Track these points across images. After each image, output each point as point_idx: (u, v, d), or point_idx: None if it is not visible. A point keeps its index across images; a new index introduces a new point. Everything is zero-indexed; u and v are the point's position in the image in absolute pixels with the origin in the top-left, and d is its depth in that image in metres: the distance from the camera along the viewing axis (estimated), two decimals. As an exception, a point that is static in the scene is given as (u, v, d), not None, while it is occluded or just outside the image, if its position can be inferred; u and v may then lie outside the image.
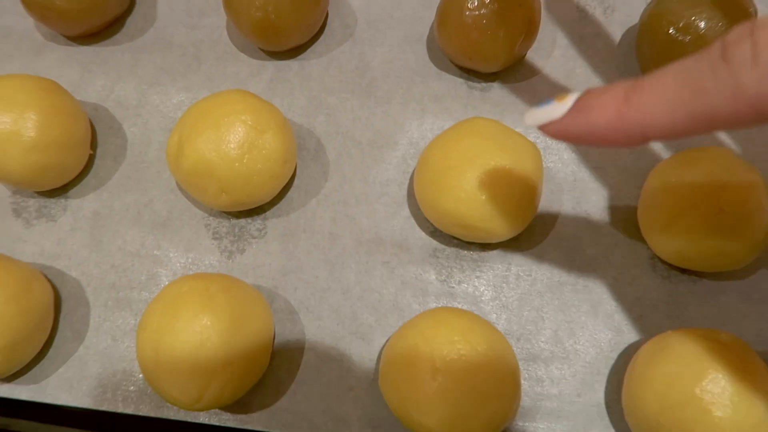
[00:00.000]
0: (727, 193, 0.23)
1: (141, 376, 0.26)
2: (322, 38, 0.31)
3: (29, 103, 0.26)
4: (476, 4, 0.26)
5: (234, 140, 0.24)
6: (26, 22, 0.32)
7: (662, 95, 0.15)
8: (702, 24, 0.26)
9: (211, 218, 0.28)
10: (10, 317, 0.24)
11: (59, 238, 0.28)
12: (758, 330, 0.25)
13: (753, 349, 0.22)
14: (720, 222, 0.23)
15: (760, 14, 0.28)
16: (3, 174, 0.26)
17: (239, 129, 0.25)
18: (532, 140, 0.26)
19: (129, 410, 0.25)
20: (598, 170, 0.28)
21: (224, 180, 0.25)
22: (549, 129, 0.17)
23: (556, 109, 0.17)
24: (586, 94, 0.16)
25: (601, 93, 0.16)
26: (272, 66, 0.30)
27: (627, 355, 0.25)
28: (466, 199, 0.24)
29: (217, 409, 0.25)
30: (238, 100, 0.25)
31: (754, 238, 0.23)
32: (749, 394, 0.21)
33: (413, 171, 0.28)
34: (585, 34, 0.30)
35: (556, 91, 0.29)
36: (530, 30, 0.27)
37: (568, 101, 0.17)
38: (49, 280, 0.27)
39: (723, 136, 0.28)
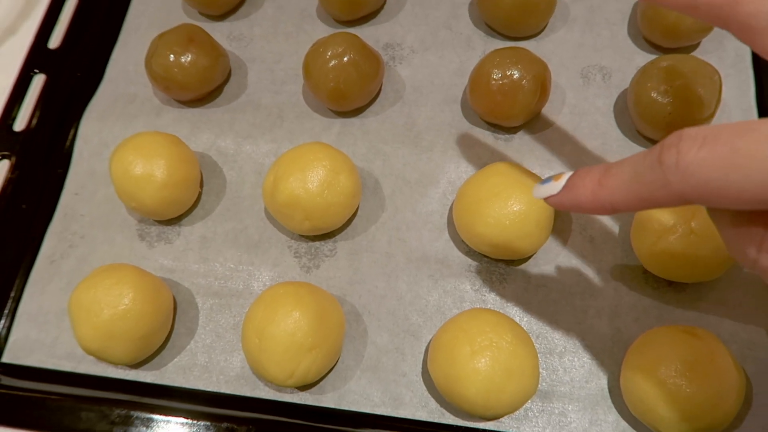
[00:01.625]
0: (696, 218, 0.30)
1: (239, 364, 0.33)
2: (378, 100, 0.39)
3: (160, 153, 0.34)
4: (500, 75, 0.34)
5: (316, 180, 0.32)
6: (147, 90, 0.41)
7: (621, 182, 0.20)
8: (677, 89, 0.33)
9: (292, 241, 0.35)
10: (147, 314, 0.31)
11: (175, 257, 0.36)
12: (732, 331, 0.31)
13: (723, 343, 0.28)
14: (692, 242, 0.30)
15: (723, 79, 0.35)
16: (139, 206, 0.34)
17: (320, 171, 0.32)
18: (546, 179, 0.33)
19: (229, 391, 0.32)
20: (601, 203, 0.35)
21: (308, 210, 0.32)
22: (549, 201, 0.24)
23: (554, 187, 0.23)
24: (574, 176, 0.23)
25: (584, 175, 0.22)
26: (339, 123, 0.38)
27: (625, 350, 0.31)
28: (494, 224, 0.31)
29: (298, 391, 0.32)
30: (318, 149, 0.33)
31: (720, 254, 0.30)
32: (713, 374, 0.27)
33: (452, 203, 0.35)
34: (588, 95, 0.38)
35: (565, 142, 0.36)
36: (543, 93, 0.35)
37: (562, 181, 0.23)
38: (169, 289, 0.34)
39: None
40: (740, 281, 0.32)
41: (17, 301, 0.35)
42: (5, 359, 0.34)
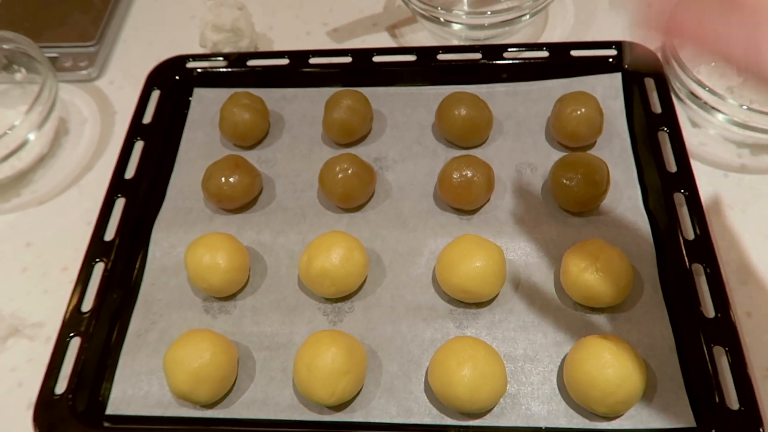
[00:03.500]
0: (599, 259, 0.44)
1: (289, 397, 0.44)
2: (374, 199, 0.53)
3: (222, 247, 0.47)
4: (458, 175, 0.49)
5: (338, 257, 0.46)
6: (199, 203, 0.54)
7: None
8: (579, 176, 0.48)
9: (321, 304, 0.48)
10: (224, 362, 0.43)
11: (233, 323, 0.48)
12: (637, 338, 0.44)
13: (627, 343, 0.42)
14: (598, 277, 0.43)
15: (613, 166, 0.51)
16: (208, 287, 0.47)
17: (340, 250, 0.46)
18: (498, 244, 0.47)
19: (283, 417, 0.43)
20: (538, 258, 0.49)
21: (334, 278, 0.45)
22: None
23: None
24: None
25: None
26: (347, 217, 0.53)
27: (565, 357, 0.44)
28: (464, 277, 0.44)
29: (335, 412, 0.43)
30: (337, 235, 0.47)
31: (619, 284, 0.44)
32: (621, 363, 0.40)
33: (434, 266, 0.49)
34: (521, 183, 0.53)
35: (509, 217, 0.51)
36: (489, 186, 0.50)
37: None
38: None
39: (602, 232, 0.49)
40: (640, 305, 0.46)
41: (114, 367, 0.47)
42: (109, 411, 0.45)
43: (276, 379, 0.45)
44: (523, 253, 0.49)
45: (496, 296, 0.47)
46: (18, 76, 0.63)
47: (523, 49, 0.59)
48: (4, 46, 0.62)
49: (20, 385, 0.48)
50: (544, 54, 0.59)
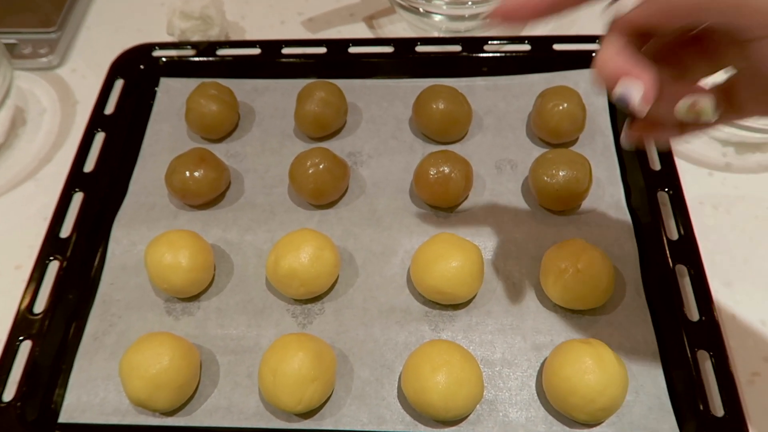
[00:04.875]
0: (581, 260, 0.42)
1: (254, 404, 0.42)
2: (347, 195, 0.51)
3: (184, 245, 0.45)
4: (435, 171, 0.47)
5: (307, 256, 0.43)
6: (164, 199, 0.52)
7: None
8: (560, 174, 0.46)
9: (289, 305, 0.46)
10: (183, 367, 0.40)
11: (197, 326, 0.45)
12: (618, 342, 0.43)
13: (609, 348, 0.40)
14: (579, 278, 0.42)
15: (595, 163, 0.49)
16: (169, 287, 0.44)
17: (310, 249, 0.43)
18: (476, 244, 0.45)
19: (249, 425, 0.41)
20: (517, 258, 0.47)
21: (303, 279, 0.43)
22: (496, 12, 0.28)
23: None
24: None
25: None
26: (318, 213, 0.50)
27: (544, 361, 0.42)
28: (440, 278, 0.42)
29: (303, 419, 0.41)
30: (306, 234, 0.45)
31: (600, 286, 0.42)
32: (602, 369, 0.38)
33: (409, 266, 0.47)
34: (501, 181, 0.51)
35: (488, 215, 0.49)
36: (467, 182, 0.48)
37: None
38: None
39: (583, 231, 0.47)
40: (622, 307, 0.44)
41: (68, 372, 0.44)
42: (62, 420, 0.42)
43: (241, 385, 0.43)
44: (501, 253, 0.47)
45: (473, 298, 0.45)
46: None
47: (505, 42, 0.57)
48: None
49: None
50: (526, 47, 0.57)
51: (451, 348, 0.40)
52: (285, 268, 0.43)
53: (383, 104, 0.56)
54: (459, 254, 0.43)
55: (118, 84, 0.57)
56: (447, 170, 0.47)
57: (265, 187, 0.52)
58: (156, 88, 0.58)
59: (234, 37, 0.65)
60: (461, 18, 0.60)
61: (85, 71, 0.63)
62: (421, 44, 0.58)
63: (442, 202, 0.48)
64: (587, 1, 0.27)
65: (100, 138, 0.54)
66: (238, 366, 0.43)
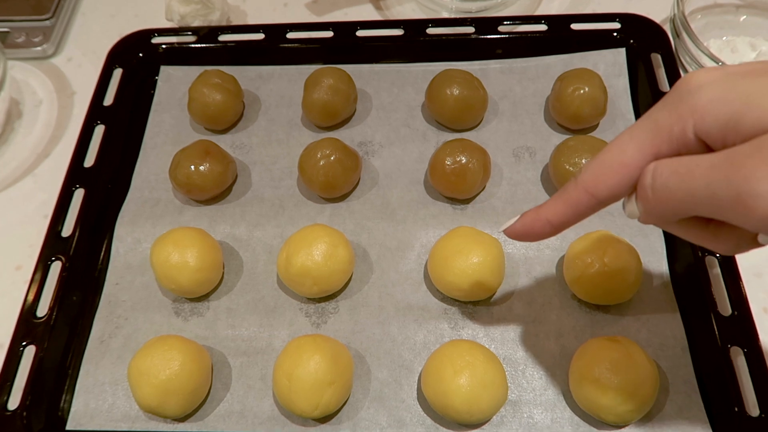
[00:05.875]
0: (606, 253, 0.40)
1: (269, 408, 0.40)
2: (359, 187, 0.49)
3: (192, 243, 0.43)
4: (451, 161, 0.45)
5: (320, 253, 0.41)
6: (168, 194, 0.50)
7: (552, 202, 0.28)
8: (583, 162, 0.44)
9: (302, 304, 0.44)
10: (194, 371, 0.39)
11: (207, 327, 0.43)
12: (647, 338, 0.41)
13: (638, 345, 0.38)
14: (605, 272, 0.40)
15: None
16: (177, 287, 0.43)
17: (323, 246, 0.42)
18: (496, 237, 0.43)
19: (263, 430, 0.39)
20: (539, 252, 0.45)
21: (316, 277, 0.41)
22: (506, 232, 0.31)
23: (511, 220, 0.31)
24: (523, 214, 0.30)
25: (528, 212, 0.30)
26: (330, 207, 0.48)
27: (570, 360, 0.40)
28: (460, 274, 0.41)
29: (320, 424, 0.39)
30: (318, 229, 0.43)
31: (627, 280, 0.40)
32: (632, 368, 0.36)
33: (425, 262, 0.45)
34: (520, 170, 0.49)
35: (507, 206, 0.47)
36: (485, 172, 0.46)
37: (516, 217, 0.31)
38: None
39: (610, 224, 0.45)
40: (649, 301, 0.42)
41: (75, 377, 0.42)
42: (69, 427, 0.40)
43: (254, 388, 0.41)
44: (522, 246, 0.45)
45: (494, 294, 0.43)
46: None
47: (519, 22, 0.55)
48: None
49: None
50: (542, 27, 0.54)
51: (474, 349, 0.38)
52: (297, 267, 0.41)
53: (393, 90, 0.54)
54: (479, 249, 0.41)
55: (117, 73, 0.55)
56: (464, 160, 0.45)
57: (273, 180, 0.50)
58: (156, 77, 0.56)
59: (235, 21, 0.62)
60: (473, -2, 0.58)
61: (81, 60, 0.61)
62: (432, 26, 0.55)
63: (459, 193, 0.46)
64: (592, 213, 0.28)
65: (99, 130, 0.52)
66: (251, 368, 0.42)
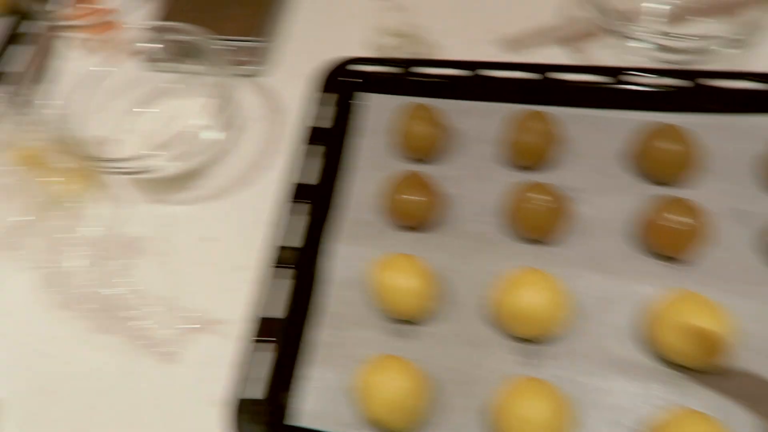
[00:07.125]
0: None
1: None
2: (562, 232, 0.50)
3: (414, 271, 0.45)
4: (672, 220, 0.45)
5: (540, 297, 0.43)
6: (376, 217, 0.52)
7: None
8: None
9: (512, 343, 0.45)
10: (417, 393, 0.41)
11: (424, 352, 0.45)
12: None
13: None
14: None
15: None
16: (396, 310, 0.46)
17: (543, 292, 0.43)
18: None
19: None
20: None
21: (532, 318, 0.43)
22: None
23: None
24: None
25: None
26: (534, 248, 0.49)
27: None
28: (690, 343, 0.40)
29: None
30: (536, 274, 0.44)
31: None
32: None
33: (640, 318, 0.45)
34: (737, 233, 0.48)
35: (730, 272, 0.46)
36: (704, 233, 0.46)
37: None
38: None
39: None
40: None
41: (301, 378, 0.46)
42: (298, 423, 0.44)
43: (471, 420, 0.43)
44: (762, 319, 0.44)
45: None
46: (193, 68, 0.63)
47: (730, 77, 0.54)
48: (180, 38, 0.62)
49: (201, 381, 0.49)
50: (758, 86, 0.53)
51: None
52: (515, 306, 0.43)
53: (593, 136, 0.55)
54: (708, 318, 0.41)
55: (322, 97, 0.58)
56: (685, 219, 0.45)
57: (476, 215, 0.52)
58: (357, 102, 0.59)
59: (436, 55, 0.65)
60: (674, 50, 0.57)
61: (292, 81, 0.65)
62: (635, 74, 0.55)
63: (675, 253, 0.46)
64: None
65: (313, 150, 0.56)
66: (468, 398, 0.44)
